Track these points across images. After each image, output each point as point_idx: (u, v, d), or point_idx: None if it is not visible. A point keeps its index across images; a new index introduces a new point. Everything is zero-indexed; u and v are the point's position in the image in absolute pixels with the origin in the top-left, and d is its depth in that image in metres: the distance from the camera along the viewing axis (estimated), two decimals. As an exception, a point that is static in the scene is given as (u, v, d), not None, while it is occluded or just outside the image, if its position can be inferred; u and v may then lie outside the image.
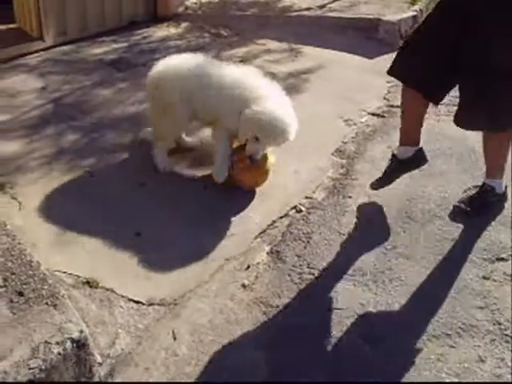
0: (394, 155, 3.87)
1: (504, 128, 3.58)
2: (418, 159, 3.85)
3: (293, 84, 5.45)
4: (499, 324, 2.97)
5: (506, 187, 3.80)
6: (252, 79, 3.91)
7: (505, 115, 3.49)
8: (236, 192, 3.94)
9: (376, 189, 3.93)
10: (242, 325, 2.98)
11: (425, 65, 3.53)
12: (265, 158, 3.93)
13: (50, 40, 6.24)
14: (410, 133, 3.81)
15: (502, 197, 3.78)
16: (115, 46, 6.39)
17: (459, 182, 4.06)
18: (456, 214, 3.78)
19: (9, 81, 5.45)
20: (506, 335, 2.91)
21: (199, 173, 4.12)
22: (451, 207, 3.80)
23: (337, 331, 2.93)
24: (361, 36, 6.46)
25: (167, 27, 7.03)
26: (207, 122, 4.16)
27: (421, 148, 3.84)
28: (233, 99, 3.80)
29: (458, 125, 3.67)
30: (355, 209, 3.83)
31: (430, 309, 3.07)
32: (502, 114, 3.49)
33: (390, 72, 3.74)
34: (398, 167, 3.86)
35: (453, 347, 2.85)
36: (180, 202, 3.86)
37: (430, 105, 3.76)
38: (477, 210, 3.76)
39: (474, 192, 3.89)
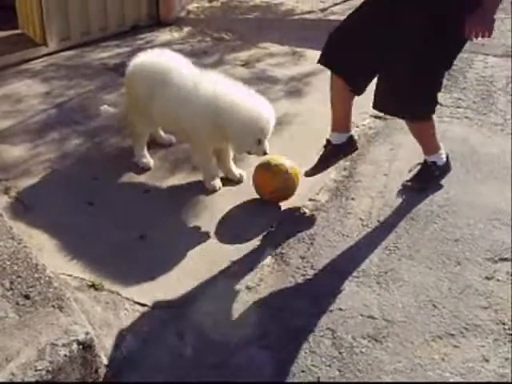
0: (328, 141, 3.99)
1: (421, 118, 3.82)
2: (350, 145, 4.01)
3: (295, 87, 5.48)
4: (503, 324, 2.99)
5: (447, 156, 4.03)
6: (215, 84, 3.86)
7: (419, 106, 3.70)
8: (240, 195, 3.96)
9: (311, 175, 3.99)
10: (247, 326, 2.99)
11: (352, 55, 3.64)
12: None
13: (53, 45, 6.26)
14: (343, 120, 3.94)
15: (445, 167, 4.04)
16: (118, 50, 6.41)
17: (461, 182, 4.08)
18: (404, 191, 4.01)
19: (13, 86, 5.47)
20: (510, 335, 2.93)
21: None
22: (454, 208, 3.81)
23: (341, 332, 2.95)
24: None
25: (170, 31, 7.05)
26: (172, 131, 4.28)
27: (352, 135, 4.02)
28: (200, 107, 3.77)
29: (375, 108, 3.85)
30: (358, 211, 3.84)
31: (433, 309, 3.09)
32: (417, 105, 3.69)
33: (320, 60, 3.84)
34: (332, 153, 3.98)
35: (457, 347, 2.87)
36: (184, 205, 3.87)
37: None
38: (424, 185, 4.02)
39: (418, 169, 4.08)
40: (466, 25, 3.33)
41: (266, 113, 3.71)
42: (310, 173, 3.99)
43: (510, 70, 5.91)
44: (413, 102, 3.65)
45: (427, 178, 4.04)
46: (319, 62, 3.84)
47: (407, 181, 4.06)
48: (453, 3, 3.40)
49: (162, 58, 4.10)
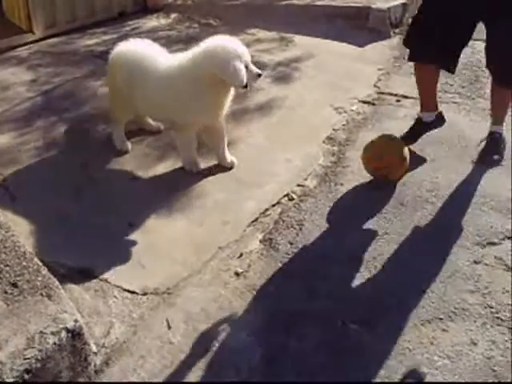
0: (419, 118, 4.31)
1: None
2: (439, 120, 4.32)
3: (283, 73, 5.46)
4: (490, 307, 3.00)
5: None
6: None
7: None
8: (228, 181, 3.96)
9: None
10: (236, 312, 2.99)
11: (442, 41, 3.86)
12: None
13: (39, 32, 6.23)
14: (432, 100, 4.29)
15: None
16: (105, 37, 6.38)
17: (450, 167, 4.08)
18: (480, 166, 4.12)
19: (-1, 74, 5.45)
20: (498, 318, 2.93)
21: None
22: (442, 193, 3.82)
23: (330, 317, 2.95)
24: (351, 24, 6.44)
25: (157, 18, 7.02)
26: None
27: (441, 111, 4.33)
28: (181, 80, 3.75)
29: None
30: (347, 196, 3.84)
31: (422, 293, 3.09)
32: None
33: (410, 58, 4.18)
34: (423, 129, 4.31)
35: (445, 331, 2.87)
36: (172, 191, 3.86)
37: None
38: (498, 156, 4.17)
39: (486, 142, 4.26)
40: None
41: (233, 43, 3.67)
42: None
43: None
44: None
45: (499, 149, 4.19)
46: (410, 59, 4.20)
47: (480, 156, 4.19)
48: None
49: (139, 46, 4.08)
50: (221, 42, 3.69)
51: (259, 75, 3.72)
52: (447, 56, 4.01)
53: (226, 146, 4.09)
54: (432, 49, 3.90)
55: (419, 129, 4.31)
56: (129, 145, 4.29)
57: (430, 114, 4.27)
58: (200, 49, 3.71)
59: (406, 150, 3.94)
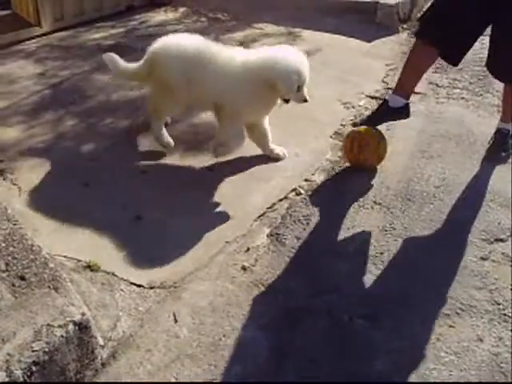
0: (385, 100, 4.15)
1: None
2: (404, 112, 4.12)
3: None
4: (498, 304, 3.00)
5: None
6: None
7: None
8: (236, 176, 3.96)
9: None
10: (243, 306, 2.99)
11: (455, 27, 3.75)
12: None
13: (47, 26, 6.24)
14: (407, 85, 4.10)
15: None
16: (113, 31, 6.39)
17: (457, 163, 4.08)
18: (487, 163, 4.13)
19: (7, 67, 5.46)
20: (505, 315, 2.93)
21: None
22: (450, 189, 3.81)
23: (337, 312, 2.95)
24: (359, 19, 6.44)
25: (165, 12, 7.03)
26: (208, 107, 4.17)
27: (408, 103, 4.11)
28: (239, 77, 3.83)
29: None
30: (355, 191, 3.84)
31: (428, 289, 3.09)
32: None
33: (418, 34, 4.04)
34: (386, 114, 4.13)
35: (452, 327, 2.87)
36: (180, 186, 3.86)
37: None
38: (506, 153, 4.17)
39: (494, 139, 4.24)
40: None
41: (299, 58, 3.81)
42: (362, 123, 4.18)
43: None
44: None
45: (507, 146, 4.18)
46: (416, 34, 4.09)
47: (487, 153, 4.19)
48: None
49: (189, 40, 4.06)
50: (289, 55, 3.81)
51: (305, 100, 3.83)
52: (453, 45, 3.89)
53: (270, 141, 4.15)
54: (441, 32, 3.81)
55: (382, 113, 4.16)
56: (171, 141, 4.23)
57: (399, 100, 4.08)
58: (267, 53, 3.85)
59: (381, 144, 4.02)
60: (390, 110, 4.10)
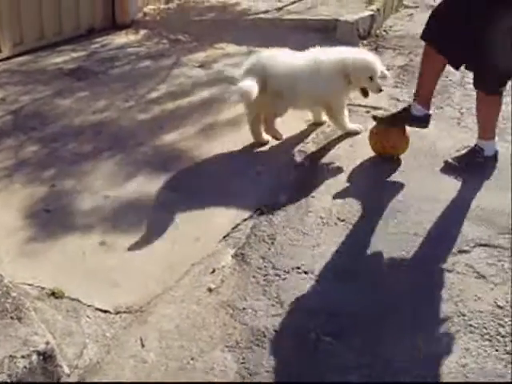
0: (407, 109, 4.25)
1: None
2: (424, 121, 4.23)
3: (253, 87, 5.46)
4: (463, 315, 3.01)
5: (496, 151, 4.14)
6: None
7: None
8: (200, 196, 3.95)
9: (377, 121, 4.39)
10: (210, 328, 2.97)
11: (455, 32, 3.87)
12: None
13: (6, 50, 6.18)
14: (425, 93, 4.20)
15: (492, 160, 4.16)
16: (74, 54, 6.36)
17: (420, 177, 4.12)
18: (446, 169, 4.18)
19: (-34, 93, 5.40)
20: (470, 326, 2.95)
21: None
22: (413, 203, 3.84)
23: (304, 331, 2.94)
24: (319, 37, 6.46)
25: (126, 34, 7.02)
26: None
27: (429, 114, 4.23)
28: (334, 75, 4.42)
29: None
30: (319, 208, 3.84)
31: (395, 304, 3.10)
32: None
33: (423, 36, 4.11)
34: (407, 119, 4.25)
35: (420, 340, 2.87)
36: (144, 208, 3.85)
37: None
38: (464, 167, 4.15)
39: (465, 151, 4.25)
40: None
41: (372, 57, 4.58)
42: (379, 121, 4.37)
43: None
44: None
45: (468, 161, 4.18)
46: (422, 37, 4.12)
47: (451, 158, 4.23)
48: None
49: (282, 54, 4.60)
50: (368, 55, 4.64)
51: (380, 90, 4.50)
52: (454, 50, 3.98)
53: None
54: (443, 38, 3.93)
55: (403, 118, 4.26)
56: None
57: (420, 109, 4.18)
58: (349, 55, 4.49)
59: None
60: (411, 117, 4.22)
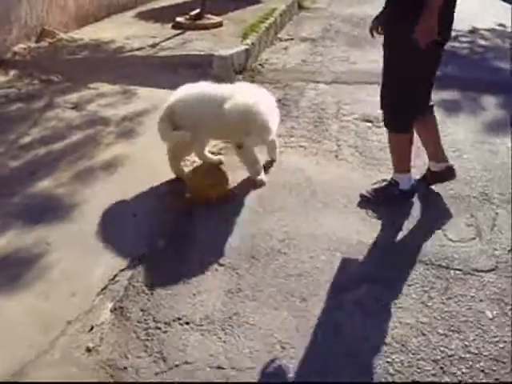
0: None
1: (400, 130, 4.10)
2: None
3: (128, 127, 5.36)
4: (356, 356, 2.98)
5: (413, 185, 4.19)
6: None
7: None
8: (75, 247, 3.76)
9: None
10: (89, 392, 2.81)
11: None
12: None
13: None
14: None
15: (409, 192, 4.20)
16: None
17: (300, 214, 4.09)
18: (362, 202, 4.20)
19: None
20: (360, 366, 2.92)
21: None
22: (294, 242, 3.80)
23: (188, 385, 2.83)
24: (194, 73, 6.41)
25: (-5, 75, 6.74)
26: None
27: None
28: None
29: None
30: (195, 254, 3.73)
31: (282, 351, 3.02)
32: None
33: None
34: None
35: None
36: (14, 265, 3.61)
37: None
38: (379, 201, 4.18)
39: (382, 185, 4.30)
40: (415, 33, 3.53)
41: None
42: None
43: (339, 96, 6.07)
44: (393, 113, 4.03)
45: (383, 194, 4.21)
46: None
47: (366, 191, 4.24)
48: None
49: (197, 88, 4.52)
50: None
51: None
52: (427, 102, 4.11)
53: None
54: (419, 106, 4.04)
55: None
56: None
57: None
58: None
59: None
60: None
